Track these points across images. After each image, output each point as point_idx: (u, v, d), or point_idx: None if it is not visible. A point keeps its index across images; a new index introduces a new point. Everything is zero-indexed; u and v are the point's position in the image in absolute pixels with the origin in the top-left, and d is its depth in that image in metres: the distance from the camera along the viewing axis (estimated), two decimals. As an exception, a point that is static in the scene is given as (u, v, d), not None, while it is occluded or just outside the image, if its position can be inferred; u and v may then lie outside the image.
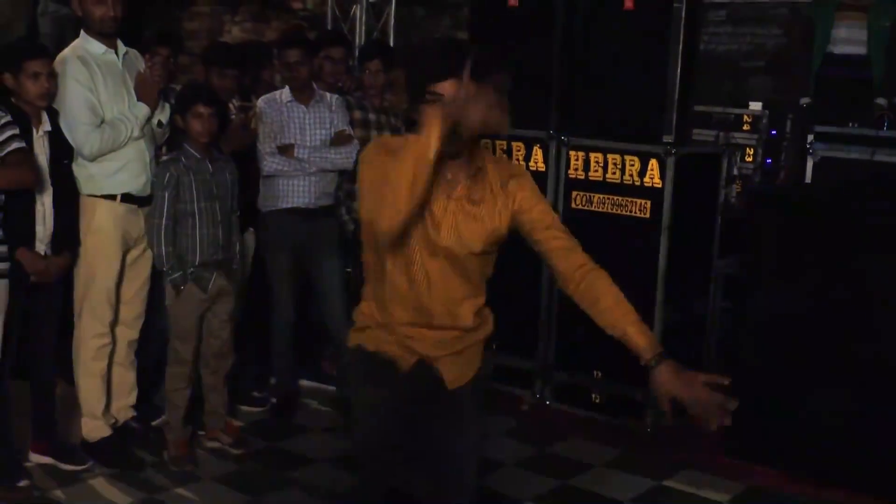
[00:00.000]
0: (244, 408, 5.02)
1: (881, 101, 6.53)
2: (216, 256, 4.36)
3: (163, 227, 4.21)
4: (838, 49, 6.74)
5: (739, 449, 4.55)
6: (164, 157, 4.50)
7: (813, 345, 4.34)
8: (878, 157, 5.89)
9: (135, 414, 4.55)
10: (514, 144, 5.18)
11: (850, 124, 6.03)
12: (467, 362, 2.72)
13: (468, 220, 2.59)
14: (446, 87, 2.41)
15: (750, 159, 6.70)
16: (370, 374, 2.73)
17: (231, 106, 4.86)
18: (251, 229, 4.93)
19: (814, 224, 4.39)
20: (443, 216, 2.57)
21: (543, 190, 4.91)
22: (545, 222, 2.62)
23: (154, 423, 4.63)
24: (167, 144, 4.59)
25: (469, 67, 2.36)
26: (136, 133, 4.21)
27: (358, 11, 7.95)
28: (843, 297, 4.28)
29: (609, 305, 2.53)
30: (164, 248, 4.22)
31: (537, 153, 5.13)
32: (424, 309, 2.62)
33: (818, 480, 4.30)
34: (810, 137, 5.73)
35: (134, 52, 4.42)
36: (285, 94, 4.92)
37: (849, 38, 6.70)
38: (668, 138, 4.83)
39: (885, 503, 4.13)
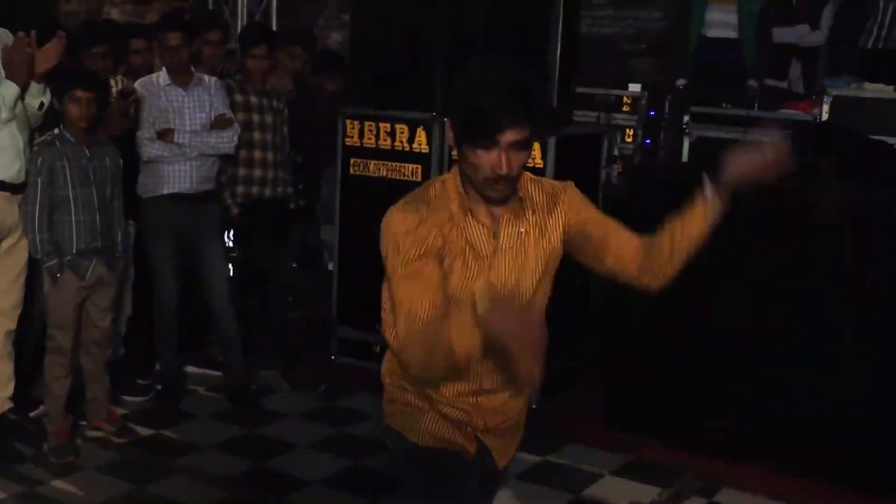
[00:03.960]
0: (128, 398, 4.92)
1: (752, 82, 6.79)
2: (95, 244, 4.27)
3: (36, 214, 4.11)
4: (712, 32, 6.98)
5: (621, 421, 4.65)
6: (38, 142, 4.36)
7: (692, 318, 4.43)
8: (751, 137, 6.10)
9: (12, 405, 4.40)
10: (398, 126, 5.18)
11: (724, 105, 6.24)
12: None
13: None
14: (508, 137, 2.17)
15: (630, 139, 6.87)
16: None
17: (112, 87, 4.73)
18: (131, 221, 4.82)
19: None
20: None
21: (427, 171, 5.06)
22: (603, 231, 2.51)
23: (33, 415, 4.52)
24: (43, 129, 4.44)
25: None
26: (5, 115, 4.02)
27: (240, -7, 7.85)
28: (720, 270, 4.40)
29: (671, 232, 2.47)
30: (37, 234, 4.12)
31: (421, 135, 5.14)
32: None
33: (700, 452, 4.38)
34: (686, 118, 5.91)
35: (3, 31, 4.22)
36: (163, 77, 4.83)
37: (721, 22, 6.95)
38: (548, 119, 4.89)
39: (765, 471, 4.24)
